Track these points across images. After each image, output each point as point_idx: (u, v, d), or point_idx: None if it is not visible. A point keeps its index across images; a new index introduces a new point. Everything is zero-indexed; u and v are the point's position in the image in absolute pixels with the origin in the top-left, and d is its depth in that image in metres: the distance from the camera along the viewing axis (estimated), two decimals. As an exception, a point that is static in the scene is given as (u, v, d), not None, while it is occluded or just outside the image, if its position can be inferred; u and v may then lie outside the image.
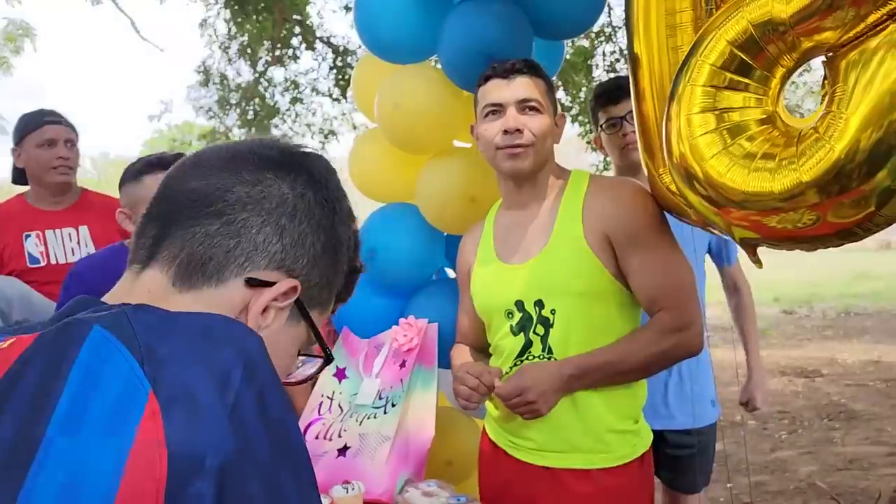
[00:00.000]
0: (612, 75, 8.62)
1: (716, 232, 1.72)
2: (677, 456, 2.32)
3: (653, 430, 1.95)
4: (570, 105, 8.41)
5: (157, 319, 0.64)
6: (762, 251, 1.41)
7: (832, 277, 14.49)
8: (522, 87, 1.67)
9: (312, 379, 0.84)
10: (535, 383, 1.59)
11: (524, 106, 1.67)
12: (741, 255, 1.96)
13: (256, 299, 0.72)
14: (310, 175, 0.77)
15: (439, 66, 2.14)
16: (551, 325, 1.66)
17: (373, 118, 2.28)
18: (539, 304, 1.67)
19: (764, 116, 1.08)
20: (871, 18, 0.95)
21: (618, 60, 8.55)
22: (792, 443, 4.77)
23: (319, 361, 0.84)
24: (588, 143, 8.79)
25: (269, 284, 0.72)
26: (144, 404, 0.55)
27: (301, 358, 0.82)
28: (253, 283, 0.72)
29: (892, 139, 0.92)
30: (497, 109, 1.69)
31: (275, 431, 0.61)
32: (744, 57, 1.05)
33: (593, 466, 1.66)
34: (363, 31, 2.16)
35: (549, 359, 1.66)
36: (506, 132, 1.66)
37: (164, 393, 0.56)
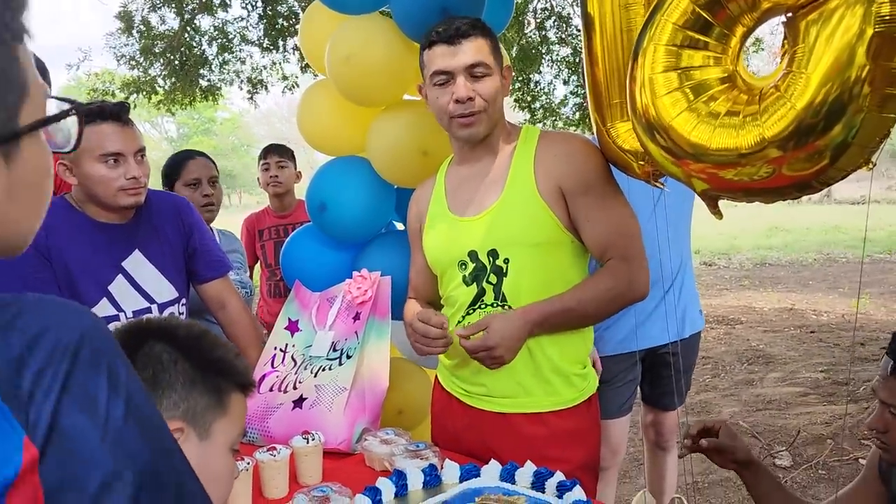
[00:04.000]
0: (541, 33, 8.67)
1: (658, 185, 1.79)
2: (662, 374, 2.52)
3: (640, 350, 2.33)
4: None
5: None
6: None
7: (748, 230, 15.10)
8: (469, 52, 1.66)
9: None
10: (501, 338, 1.61)
11: (473, 72, 1.66)
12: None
13: None
14: None
15: (388, 16, 2.11)
16: (505, 274, 1.70)
17: (321, 69, 2.24)
18: (493, 253, 1.71)
19: (724, 75, 1.13)
20: (830, -20, 1.00)
21: (549, 17, 8.57)
22: (714, 386, 5.02)
23: None
24: (516, 101, 8.83)
25: None
26: (20, 460, 0.49)
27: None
28: None
29: (846, 96, 0.98)
30: (446, 77, 1.68)
31: (147, 428, 0.58)
32: (705, 15, 1.09)
33: (544, 410, 1.73)
34: (312, -20, 2.11)
35: (502, 307, 1.71)
36: (458, 101, 1.66)
37: (38, 434, 0.51)
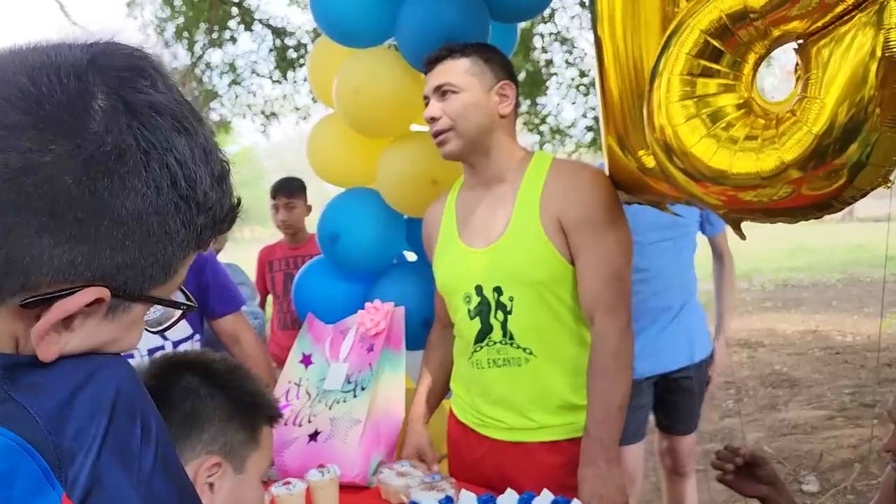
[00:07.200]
0: (547, 56, 8.74)
1: (671, 212, 1.78)
2: (674, 399, 2.52)
3: (650, 376, 2.37)
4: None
5: (33, 382, 0.55)
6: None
7: (770, 251, 14.94)
8: (438, 74, 1.72)
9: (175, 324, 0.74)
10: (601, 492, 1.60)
11: (440, 92, 1.72)
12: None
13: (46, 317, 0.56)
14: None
15: (394, 49, 2.13)
16: (509, 312, 1.69)
17: (330, 103, 2.26)
18: (497, 290, 1.70)
19: (740, 102, 1.12)
20: (838, 9, 1.00)
21: (556, 40, 8.63)
22: (738, 411, 4.92)
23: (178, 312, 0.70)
24: (525, 124, 8.86)
25: (57, 297, 0.55)
26: None
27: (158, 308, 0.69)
28: (32, 305, 0.55)
29: (861, 114, 0.98)
30: (426, 101, 1.76)
31: (172, 475, 0.60)
32: (715, 43, 1.09)
33: (561, 438, 1.71)
34: (319, 16, 2.12)
35: (510, 345, 1.69)
36: (428, 122, 1.74)
37: (77, 491, 0.52)
